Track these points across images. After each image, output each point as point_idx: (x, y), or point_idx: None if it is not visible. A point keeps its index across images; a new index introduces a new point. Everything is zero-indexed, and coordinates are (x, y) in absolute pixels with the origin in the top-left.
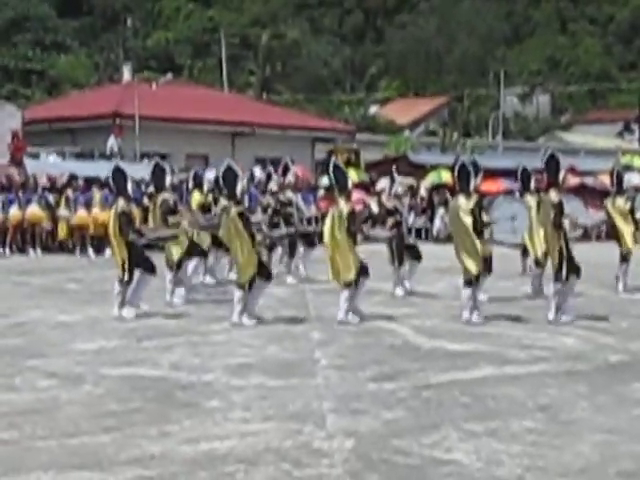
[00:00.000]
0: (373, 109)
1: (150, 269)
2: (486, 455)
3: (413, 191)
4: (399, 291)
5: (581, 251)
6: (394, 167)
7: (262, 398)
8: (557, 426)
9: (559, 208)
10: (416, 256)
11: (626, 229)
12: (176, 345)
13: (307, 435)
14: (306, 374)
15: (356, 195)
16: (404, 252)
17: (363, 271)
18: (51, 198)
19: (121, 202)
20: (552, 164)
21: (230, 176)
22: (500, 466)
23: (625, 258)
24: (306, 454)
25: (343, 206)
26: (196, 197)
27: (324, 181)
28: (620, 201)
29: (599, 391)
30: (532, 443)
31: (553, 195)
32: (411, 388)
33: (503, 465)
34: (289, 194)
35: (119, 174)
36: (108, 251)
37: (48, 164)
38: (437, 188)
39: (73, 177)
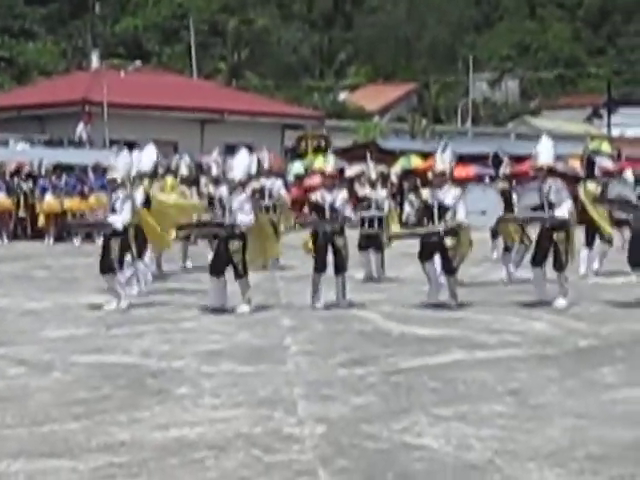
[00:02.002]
0: (342, 95)
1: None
2: (456, 439)
3: (384, 177)
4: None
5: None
6: (368, 154)
7: (232, 384)
8: (527, 410)
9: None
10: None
11: (599, 214)
12: (146, 332)
13: (277, 421)
14: (276, 360)
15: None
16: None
17: None
18: (25, 186)
19: None
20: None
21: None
22: (470, 450)
23: (609, 241)
24: (276, 440)
25: None
26: (169, 182)
27: (295, 168)
28: (591, 186)
29: (569, 375)
30: (502, 427)
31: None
32: (381, 373)
33: (473, 449)
34: (262, 181)
35: None
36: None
37: (17, 152)
38: (407, 174)
39: (58, 166)
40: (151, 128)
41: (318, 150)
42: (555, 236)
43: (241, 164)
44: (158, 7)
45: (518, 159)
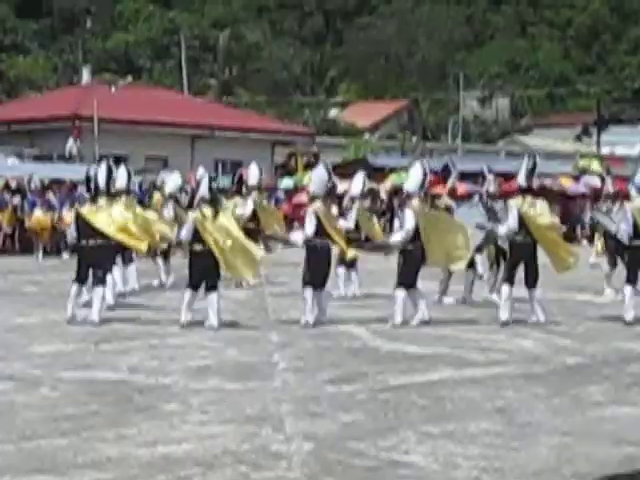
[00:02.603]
0: (333, 112)
1: None
2: (443, 457)
3: (374, 194)
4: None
5: (540, 254)
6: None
7: (220, 401)
8: (514, 428)
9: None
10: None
11: None
12: (134, 348)
13: (265, 438)
14: (264, 377)
15: None
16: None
17: None
18: (15, 201)
19: None
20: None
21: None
22: (457, 468)
23: None
24: (264, 457)
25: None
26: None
27: (284, 183)
28: None
29: (556, 393)
30: (489, 445)
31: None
32: (369, 391)
33: (460, 467)
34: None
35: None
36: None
37: (6, 166)
38: (397, 191)
39: (55, 180)
40: (141, 143)
41: (308, 167)
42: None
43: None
44: (149, 23)
45: (508, 177)
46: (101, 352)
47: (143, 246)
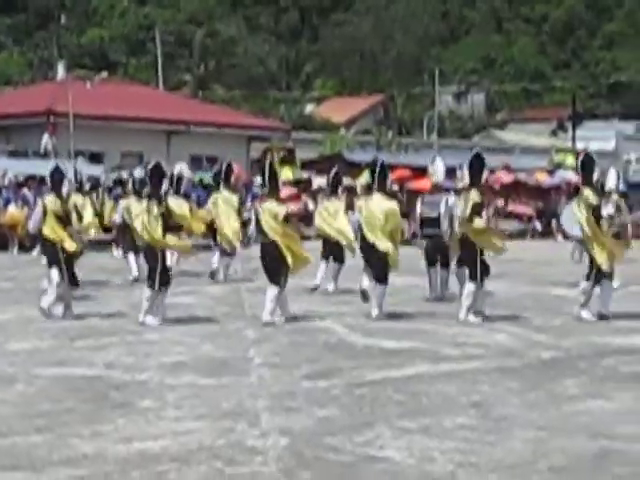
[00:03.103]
0: (309, 107)
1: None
2: (419, 452)
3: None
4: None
5: (516, 249)
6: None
7: (196, 397)
8: (489, 422)
9: (479, 207)
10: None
11: None
12: (110, 344)
13: (240, 433)
14: (240, 372)
15: (290, 191)
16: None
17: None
18: None
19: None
20: (476, 164)
21: (157, 175)
22: (432, 463)
23: None
24: (239, 452)
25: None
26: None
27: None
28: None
29: (531, 387)
30: (464, 439)
31: (474, 194)
32: (345, 386)
33: (435, 462)
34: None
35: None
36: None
37: None
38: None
39: (30, 176)
40: (117, 139)
41: (284, 162)
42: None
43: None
44: (124, 18)
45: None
46: (77, 348)
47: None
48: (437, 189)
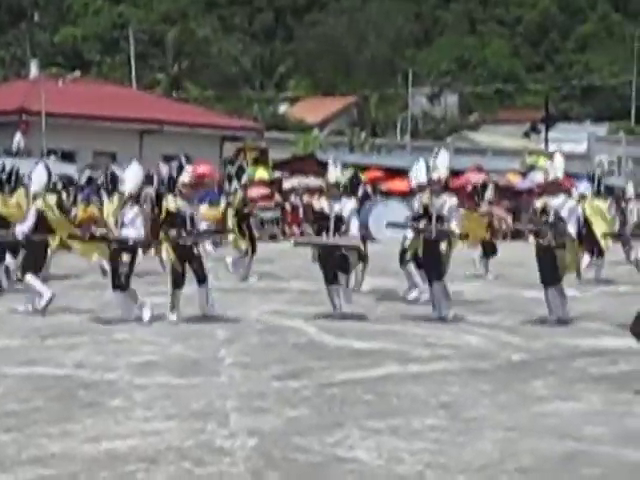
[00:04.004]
0: (282, 108)
1: None
2: (387, 452)
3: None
4: None
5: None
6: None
7: (165, 397)
8: (459, 423)
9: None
10: None
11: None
12: (80, 344)
13: (209, 434)
14: (210, 372)
15: (262, 191)
16: None
17: None
18: None
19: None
20: None
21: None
22: (401, 463)
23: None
24: (208, 453)
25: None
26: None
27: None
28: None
29: (501, 389)
30: (433, 440)
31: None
32: (315, 386)
33: (404, 462)
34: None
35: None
36: None
37: None
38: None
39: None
40: (89, 138)
41: (257, 162)
42: (441, 247)
43: (133, 177)
44: (98, 17)
45: (456, 173)
46: (46, 347)
47: None
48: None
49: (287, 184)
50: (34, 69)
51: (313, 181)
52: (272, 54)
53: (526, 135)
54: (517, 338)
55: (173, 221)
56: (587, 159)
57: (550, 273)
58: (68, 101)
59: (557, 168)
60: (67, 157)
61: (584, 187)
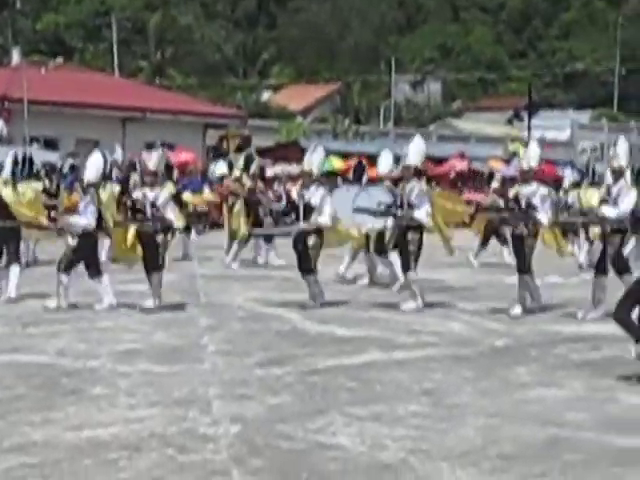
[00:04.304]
0: (265, 95)
1: None
2: (370, 439)
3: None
4: None
5: (470, 237)
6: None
7: (148, 384)
8: (441, 410)
9: None
10: None
11: None
12: (63, 331)
13: (192, 421)
14: (193, 360)
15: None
16: None
17: None
18: None
19: None
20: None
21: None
22: (384, 450)
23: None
24: (191, 440)
25: None
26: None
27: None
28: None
29: (484, 375)
30: (416, 427)
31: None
32: (298, 373)
33: (387, 449)
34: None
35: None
36: None
37: None
38: (328, 175)
39: None
40: (72, 126)
41: (240, 150)
42: (409, 236)
43: (93, 166)
44: (80, 4)
45: (439, 161)
46: (29, 335)
47: None
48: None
49: (270, 172)
50: (16, 56)
51: (296, 169)
52: (255, 41)
53: (509, 122)
54: (500, 325)
55: (134, 208)
56: (570, 146)
57: (521, 261)
58: (50, 88)
59: (531, 157)
60: (50, 144)
61: (569, 174)
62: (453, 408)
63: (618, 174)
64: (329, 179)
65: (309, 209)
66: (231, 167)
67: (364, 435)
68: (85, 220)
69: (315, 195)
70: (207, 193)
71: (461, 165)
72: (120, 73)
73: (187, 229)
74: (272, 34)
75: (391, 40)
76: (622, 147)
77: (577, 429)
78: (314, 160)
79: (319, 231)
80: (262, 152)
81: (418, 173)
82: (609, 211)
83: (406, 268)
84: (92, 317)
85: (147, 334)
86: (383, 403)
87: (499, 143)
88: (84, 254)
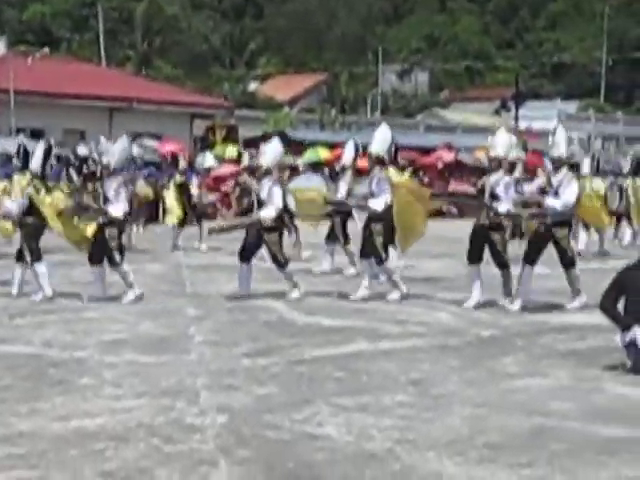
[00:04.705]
0: (252, 85)
1: None
2: (357, 429)
3: (293, 168)
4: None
5: (456, 229)
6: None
7: (135, 374)
8: (428, 400)
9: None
10: None
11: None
12: (49, 322)
13: (179, 411)
14: (180, 350)
15: (231, 169)
16: None
17: None
18: None
19: None
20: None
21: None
22: (370, 440)
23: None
24: (178, 430)
25: None
26: None
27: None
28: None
29: (470, 365)
30: (403, 417)
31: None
32: (285, 364)
33: (373, 439)
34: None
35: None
36: None
37: None
38: (315, 166)
39: None
40: (58, 116)
41: (227, 140)
42: (373, 227)
43: (120, 151)
44: None
45: (426, 151)
46: (15, 326)
47: None
48: None
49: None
50: (2, 47)
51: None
52: (242, 31)
53: (496, 113)
54: (486, 315)
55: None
56: None
57: (477, 252)
58: (37, 79)
59: (499, 144)
60: (36, 135)
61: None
62: (440, 398)
63: (558, 163)
64: (315, 169)
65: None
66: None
67: (351, 425)
68: (122, 205)
69: (264, 189)
70: (196, 184)
71: (448, 156)
72: (107, 63)
73: (183, 221)
74: (259, 24)
75: (378, 30)
76: (561, 136)
77: (563, 419)
78: (267, 151)
79: (276, 228)
80: (249, 142)
81: (381, 162)
82: (553, 202)
83: (379, 261)
84: (78, 307)
85: (133, 324)
86: (370, 393)
87: (486, 133)
88: (117, 242)
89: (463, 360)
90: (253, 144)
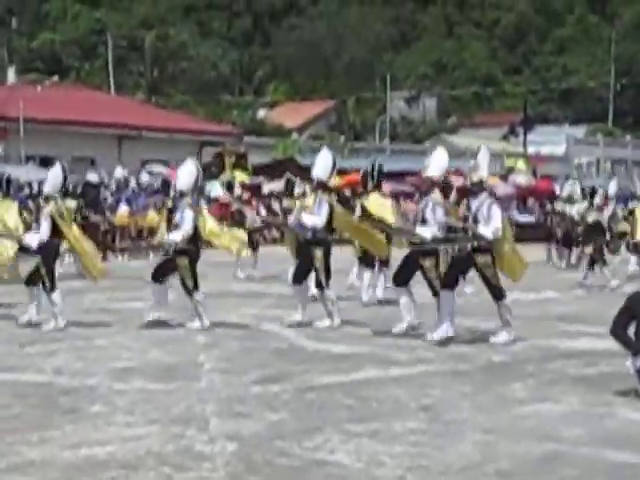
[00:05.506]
0: (261, 112)
1: None
2: (367, 456)
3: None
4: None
5: None
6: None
7: (145, 402)
8: (439, 426)
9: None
10: None
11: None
12: (60, 350)
13: (189, 439)
14: (190, 378)
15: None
16: None
17: None
18: None
19: None
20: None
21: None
22: (381, 467)
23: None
24: (188, 458)
25: None
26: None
27: (214, 189)
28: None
29: (481, 391)
30: (414, 443)
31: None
32: (295, 391)
33: (384, 466)
34: None
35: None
36: None
37: None
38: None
39: None
40: (68, 144)
41: (237, 167)
42: (312, 252)
43: (186, 174)
44: (76, 22)
45: None
46: (26, 354)
47: None
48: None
49: (266, 189)
50: (12, 75)
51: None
52: (250, 59)
53: (505, 138)
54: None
55: None
56: (566, 161)
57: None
58: (46, 107)
59: (432, 164)
60: (46, 163)
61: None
62: (450, 424)
63: (478, 187)
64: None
65: None
66: (229, 187)
67: (361, 452)
68: (188, 227)
69: None
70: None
71: (458, 181)
72: (116, 91)
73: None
74: (267, 52)
75: (386, 57)
76: (483, 157)
77: (574, 444)
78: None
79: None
80: (259, 169)
81: (322, 186)
82: (484, 230)
83: (319, 287)
84: (89, 335)
85: (143, 352)
86: (380, 420)
87: (495, 159)
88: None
89: (473, 386)
90: (262, 171)
